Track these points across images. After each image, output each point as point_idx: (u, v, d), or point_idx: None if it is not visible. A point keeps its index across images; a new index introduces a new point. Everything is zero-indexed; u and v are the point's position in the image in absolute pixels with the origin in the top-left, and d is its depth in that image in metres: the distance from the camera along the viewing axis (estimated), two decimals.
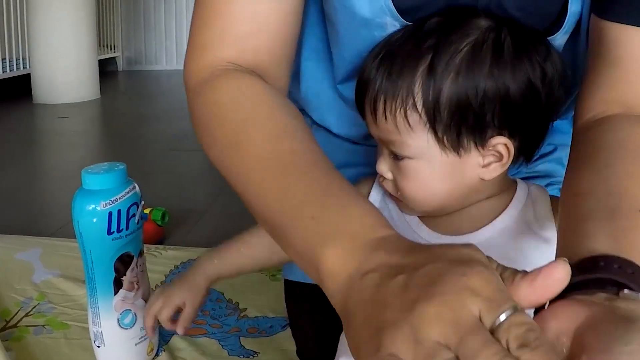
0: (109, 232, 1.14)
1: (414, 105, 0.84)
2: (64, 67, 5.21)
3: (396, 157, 0.89)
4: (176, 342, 1.39)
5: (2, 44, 5.49)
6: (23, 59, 5.64)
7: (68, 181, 2.78)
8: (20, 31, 5.67)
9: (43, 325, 1.47)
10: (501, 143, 0.86)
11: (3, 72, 5.32)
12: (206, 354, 1.36)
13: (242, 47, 0.89)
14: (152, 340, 1.30)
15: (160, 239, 2.04)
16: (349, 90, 0.99)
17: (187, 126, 4.10)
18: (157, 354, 1.34)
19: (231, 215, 2.31)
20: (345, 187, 0.70)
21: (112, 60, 7.25)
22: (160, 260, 1.78)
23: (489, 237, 0.94)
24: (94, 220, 1.13)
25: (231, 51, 0.88)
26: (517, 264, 0.83)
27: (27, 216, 2.41)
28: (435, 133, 0.85)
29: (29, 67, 5.43)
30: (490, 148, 0.86)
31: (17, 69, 5.49)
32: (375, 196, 1.02)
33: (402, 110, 0.85)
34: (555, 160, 1.22)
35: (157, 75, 7.18)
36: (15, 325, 1.47)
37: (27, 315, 1.51)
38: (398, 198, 0.93)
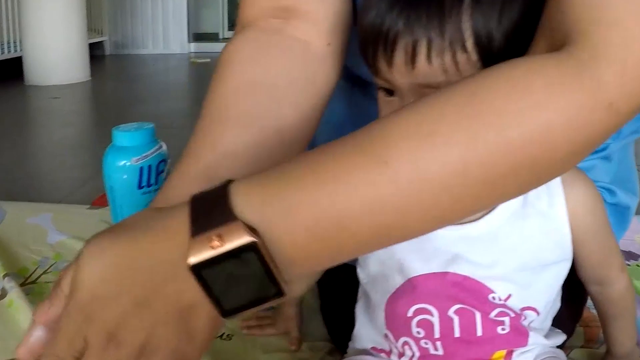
0: (140, 187, 1.24)
1: (464, 46, 0.78)
2: (55, 50, 5.25)
3: None
4: None
5: None
6: (14, 42, 5.69)
7: (64, 156, 2.87)
8: (12, 15, 5.73)
9: None
10: None
11: None
12: None
13: None
14: None
15: None
16: None
17: (174, 106, 4.25)
18: None
19: None
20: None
21: (99, 44, 7.26)
22: None
23: (497, 225, 0.88)
24: (125, 174, 1.24)
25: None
26: (522, 251, 0.90)
27: (30, 188, 2.48)
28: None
29: (20, 50, 5.49)
30: None
31: (8, 52, 5.55)
32: None
33: (449, 52, 0.78)
34: (602, 157, 1.15)
35: (143, 59, 7.21)
36: (34, 282, 1.54)
37: (45, 272, 1.59)
38: None
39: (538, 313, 0.93)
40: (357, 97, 1.15)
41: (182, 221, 0.57)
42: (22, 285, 1.49)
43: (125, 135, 1.24)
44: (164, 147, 1.29)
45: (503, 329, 0.91)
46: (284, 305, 1.27)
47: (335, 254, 0.61)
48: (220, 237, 0.55)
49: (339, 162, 0.59)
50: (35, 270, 1.60)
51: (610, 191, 1.15)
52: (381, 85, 0.85)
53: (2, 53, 5.47)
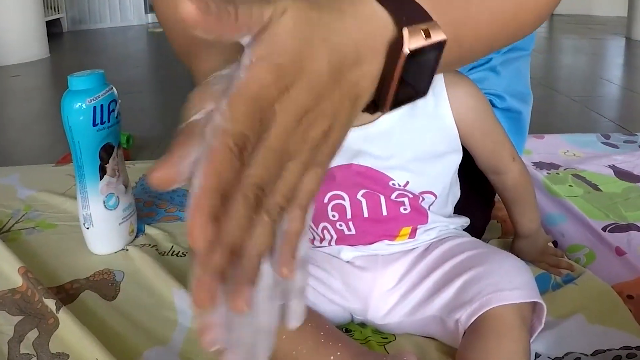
0: (94, 124, 1.36)
1: None
2: (11, 30, 5.27)
3: None
4: (152, 228, 1.62)
5: None
6: None
7: (29, 127, 2.97)
8: None
9: (33, 227, 1.66)
10: None
11: None
12: (181, 233, 1.58)
13: None
14: (132, 222, 1.54)
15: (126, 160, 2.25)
16: None
17: (134, 74, 4.32)
18: (137, 235, 1.57)
19: None
20: None
21: (57, 21, 7.25)
22: (130, 171, 1.99)
23: (390, 125, 1.05)
24: (81, 114, 1.36)
25: None
26: (414, 145, 1.05)
27: None
28: None
29: None
30: None
31: None
32: None
33: None
34: (489, 68, 1.34)
35: (102, 33, 7.25)
36: (8, 230, 1.64)
37: (17, 222, 1.69)
38: None
39: (436, 196, 1.10)
40: None
41: (377, 11, 0.59)
42: None
43: (79, 80, 1.36)
44: (114, 89, 1.41)
45: (405, 209, 1.08)
46: None
47: (460, 50, 0.76)
48: (427, 32, 0.59)
49: None
50: (8, 221, 1.71)
51: (500, 97, 1.33)
52: None
53: None
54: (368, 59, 0.57)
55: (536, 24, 0.89)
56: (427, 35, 0.59)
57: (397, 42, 0.58)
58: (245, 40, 0.51)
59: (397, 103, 0.62)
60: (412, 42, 0.58)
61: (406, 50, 0.58)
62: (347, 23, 0.56)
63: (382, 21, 0.59)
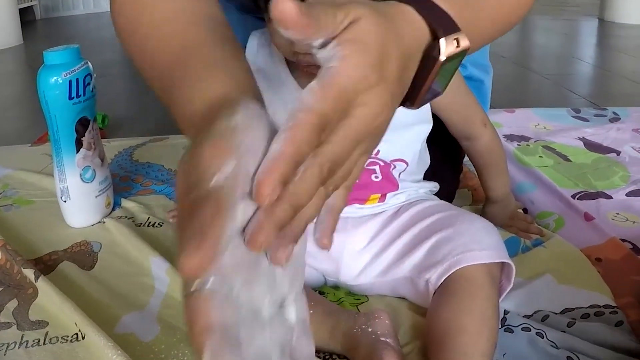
0: (70, 98, 1.38)
1: None
2: None
3: None
4: (128, 201, 1.64)
5: None
6: None
7: (5, 111, 2.97)
8: None
9: (11, 204, 1.67)
10: None
11: None
12: (157, 205, 1.61)
13: None
14: (109, 195, 1.56)
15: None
16: None
17: (109, 58, 4.32)
18: (113, 209, 1.59)
19: (159, 119, 2.56)
20: (209, 50, 0.72)
21: (29, 9, 7.20)
22: (106, 149, 2.01)
23: None
24: (57, 88, 1.37)
25: None
26: (394, 120, 1.09)
27: None
28: None
29: None
30: None
31: None
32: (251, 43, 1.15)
33: None
34: None
35: (75, 20, 7.19)
36: None
37: None
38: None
39: (407, 164, 1.12)
40: (251, 21, 1.31)
41: (416, 20, 0.64)
42: None
43: (55, 54, 1.38)
44: (89, 64, 1.43)
45: (376, 177, 1.11)
46: None
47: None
48: (457, 41, 0.65)
49: None
50: None
51: (462, 65, 1.36)
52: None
53: None
54: (412, 62, 0.64)
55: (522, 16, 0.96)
56: (458, 44, 0.65)
57: (432, 49, 0.64)
58: (317, 42, 0.53)
59: (422, 102, 0.70)
60: (447, 51, 0.64)
61: (442, 58, 0.64)
62: (405, 29, 0.62)
63: (421, 30, 0.64)
